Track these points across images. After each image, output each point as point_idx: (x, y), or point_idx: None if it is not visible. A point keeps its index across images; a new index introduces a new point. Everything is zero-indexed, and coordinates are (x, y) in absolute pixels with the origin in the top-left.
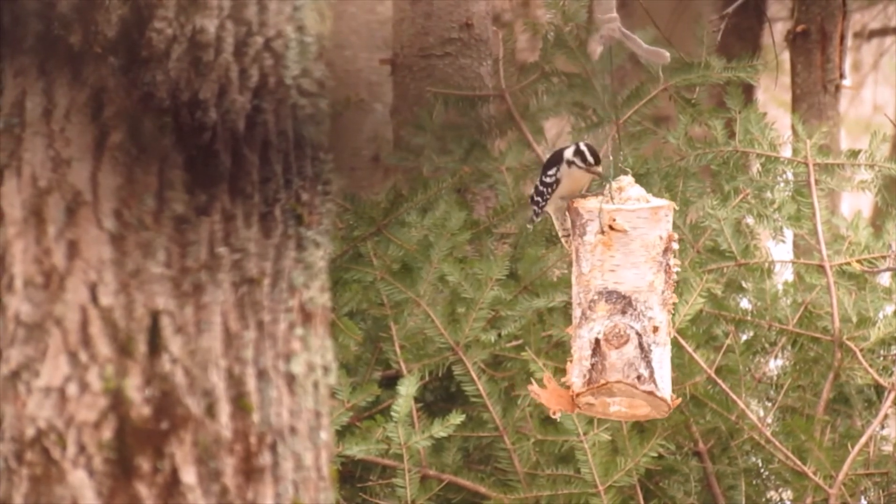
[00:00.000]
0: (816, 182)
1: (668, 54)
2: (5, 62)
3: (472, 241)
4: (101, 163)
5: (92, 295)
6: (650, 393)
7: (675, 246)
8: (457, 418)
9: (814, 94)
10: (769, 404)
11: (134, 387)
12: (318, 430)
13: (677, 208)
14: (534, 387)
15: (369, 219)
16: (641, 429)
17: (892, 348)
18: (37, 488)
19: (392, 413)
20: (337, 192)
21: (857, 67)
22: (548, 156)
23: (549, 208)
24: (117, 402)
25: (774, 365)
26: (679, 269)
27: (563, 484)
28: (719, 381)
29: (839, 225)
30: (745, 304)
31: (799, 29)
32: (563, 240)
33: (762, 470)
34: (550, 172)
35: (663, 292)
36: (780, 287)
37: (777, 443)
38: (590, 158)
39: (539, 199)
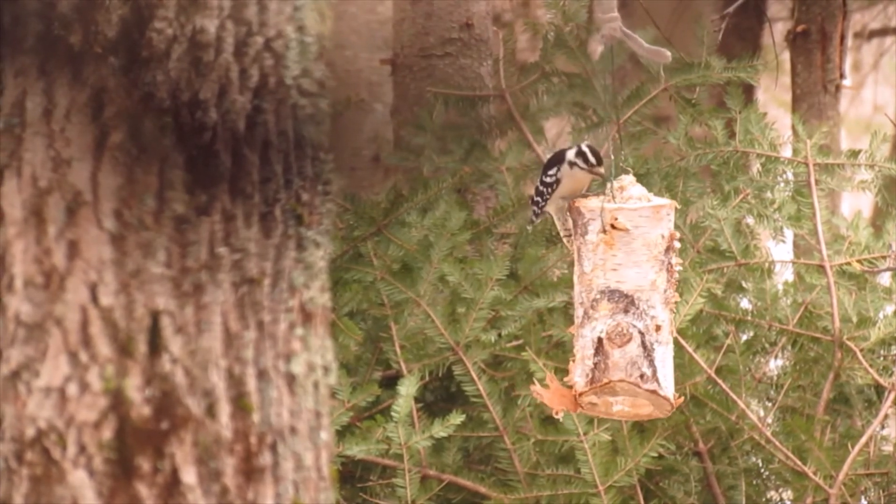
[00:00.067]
0: (816, 182)
1: (668, 54)
2: (5, 62)
3: (473, 241)
4: (102, 163)
5: (92, 295)
6: (653, 392)
7: (677, 245)
8: (457, 418)
9: (814, 94)
10: (769, 404)
11: (134, 387)
12: (319, 430)
13: (679, 207)
14: (536, 387)
15: (369, 219)
16: (641, 429)
17: (892, 348)
18: (37, 488)
19: (392, 413)
20: (337, 192)
21: (857, 67)
22: (548, 156)
23: (551, 208)
24: (117, 402)
25: (774, 365)
26: (680, 269)
27: (563, 484)
28: (719, 381)
29: (839, 225)
30: (745, 304)
31: (799, 29)
32: (564, 239)
33: (762, 470)
34: (551, 172)
35: (665, 291)
36: (780, 287)
37: (777, 443)
38: (592, 160)
39: (539, 199)
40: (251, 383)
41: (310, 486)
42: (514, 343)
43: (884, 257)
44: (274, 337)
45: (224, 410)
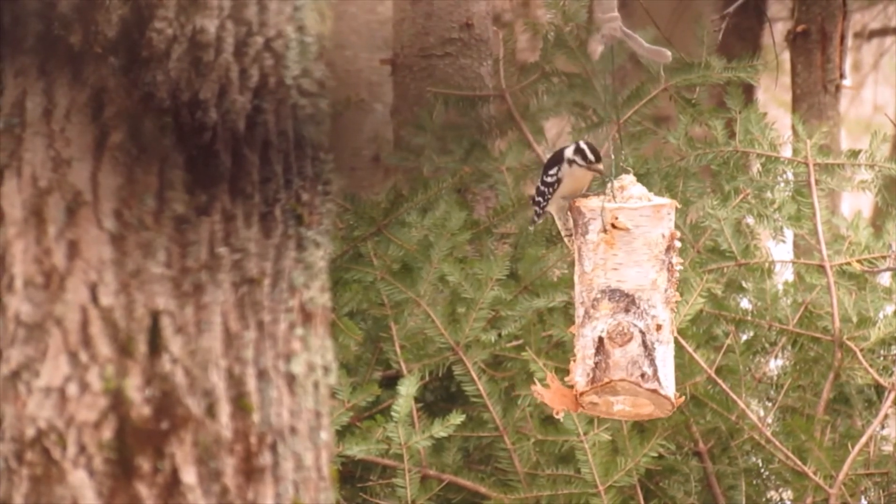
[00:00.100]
0: (816, 182)
1: (669, 53)
2: (6, 62)
3: (473, 241)
4: (102, 163)
5: (92, 295)
6: (654, 391)
7: (678, 244)
8: (457, 418)
9: (814, 94)
10: (769, 404)
11: (134, 387)
12: (319, 430)
13: (679, 206)
14: (537, 386)
15: (369, 219)
16: (641, 429)
17: (892, 348)
18: (37, 488)
19: (392, 413)
20: (337, 192)
21: (857, 67)
22: (548, 156)
23: (552, 208)
24: (117, 402)
25: (774, 365)
26: (681, 268)
27: (563, 484)
28: (719, 381)
29: (839, 225)
30: (745, 304)
31: (799, 29)
32: (565, 239)
33: (762, 470)
34: (551, 172)
35: (666, 290)
36: (780, 287)
37: (777, 443)
38: (590, 156)
39: (540, 199)
40: (251, 383)
41: (310, 486)
42: (514, 343)
43: (884, 257)
44: (274, 337)
45: (224, 410)
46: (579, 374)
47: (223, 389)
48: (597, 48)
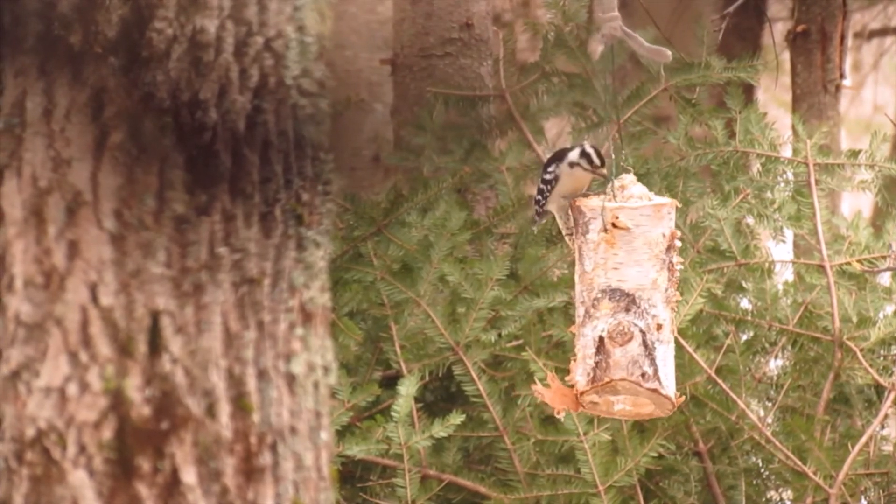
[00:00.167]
0: (817, 182)
1: (669, 53)
2: (6, 62)
3: (473, 241)
4: (102, 163)
5: (92, 295)
6: (654, 391)
7: (678, 243)
8: (457, 418)
9: (814, 94)
10: (769, 404)
11: (134, 387)
12: (319, 430)
13: (679, 206)
14: (537, 386)
15: (369, 219)
16: (642, 429)
17: (892, 348)
18: (37, 488)
19: (392, 413)
20: (337, 192)
21: (857, 67)
22: (548, 156)
23: (552, 207)
24: (117, 402)
25: (774, 365)
26: (681, 268)
27: (563, 484)
28: (719, 381)
29: (839, 225)
30: (745, 304)
31: (799, 29)
32: (566, 238)
33: (762, 470)
34: (550, 170)
35: (667, 290)
36: (780, 287)
37: (777, 443)
38: (596, 161)
39: (539, 197)
40: (251, 383)
41: (310, 486)
42: (514, 343)
43: (884, 257)
44: (274, 337)
45: (224, 410)
46: (580, 374)
47: (223, 389)
48: (597, 48)
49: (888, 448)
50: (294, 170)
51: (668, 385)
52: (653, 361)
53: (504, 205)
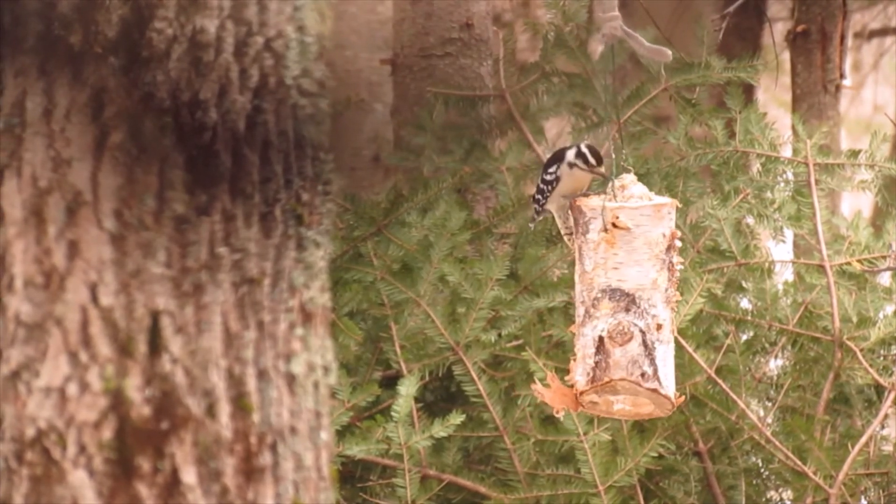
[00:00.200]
0: (817, 182)
1: (669, 52)
2: (6, 62)
3: (473, 241)
4: (102, 163)
5: (92, 295)
6: (654, 391)
7: (678, 244)
8: (457, 418)
9: (814, 94)
10: (769, 404)
11: (134, 387)
12: (319, 430)
13: (679, 206)
14: (537, 386)
15: (369, 219)
16: (642, 429)
17: (892, 348)
18: (37, 488)
19: (392, 413)
20: (337, 192)
21: (857, 67)
22: (548, 156)
23: (552, 207)
24: (117, 402)
25: (774, 365)
26: (681, 268)
27: (563, 484)
28: (719, 381)
29: (839, 225)
30: (745, 304)
31: (799, 29)
32: (566, 238)
33: (762, 470)
34: (551, 170)
35: (667, 290)
36: (780, 287)
37: (777, 443)
38: (592, 160)
39: (539, 196)
40: (251, 383)
41: (310, 486)
42: (514, 343)
43: (884, 257)
44: (274, 337)
45: (224, 410)
46: (579, 374)
47: (223, 389)
48: (597, 48)
49: (888, 448)
50: (294, 170)
51: (668, 385)
52: (652, 361)
53: (504, 205)
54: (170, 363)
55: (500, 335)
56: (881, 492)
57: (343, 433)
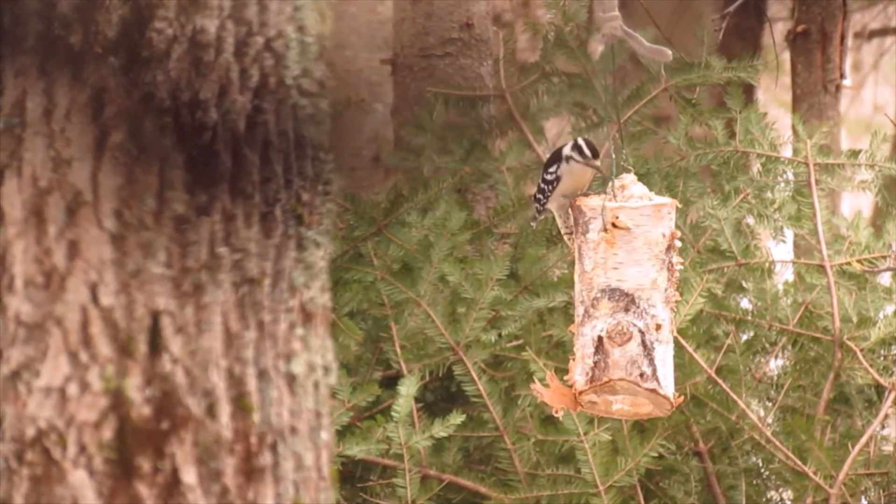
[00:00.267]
0: (817, 182)
1: (669, 52)
2: (6, 62)
3: (473, 241)
4: (102, 163)
5: (92, 295)
6: (653, 391)
7: (678, 244)
8: (457, 418)
9: (814, 94)
10: (769, 404)
11: (134, 387)
12: (319, 430)
13: (680, 206)
14: (536, 385)
15: (370, 219)
16: (642, 429)
17: (893, 348)
18: (37, 488)
19: (392, 413)
20: (337, 192)
21: (857, 67)
22: (548, 156)
23: (552, 206)
24: (118, 402)
25: (775, 365)
26: (681, 268)
27: (563, 484)
28: (720, 381)
29: (839, 225)
30: (745, 304)
31: (799, 29)
32: (566, 238)
33: (762, 470)
34: (551, 170)
35: (666, 290)
36: (780, 287)
37: (777, 443)
38: (587, 152)
39: (540, 196)
40: (251, 383)
41: (310, 486)
42: (514, 343)
43: (884, 257)
44: (274, 337)
45: (224, 410)
46: (578, 373)
47: (223, 389)
48: (597, 48)
49: (888, 448)
50: (294, 170)
51: (667, 385)
52: (651, 361)
53: (504, 205)
54: (170, 363)
55: (500, 335)
56: (881, 492)
57: (343, 433)
